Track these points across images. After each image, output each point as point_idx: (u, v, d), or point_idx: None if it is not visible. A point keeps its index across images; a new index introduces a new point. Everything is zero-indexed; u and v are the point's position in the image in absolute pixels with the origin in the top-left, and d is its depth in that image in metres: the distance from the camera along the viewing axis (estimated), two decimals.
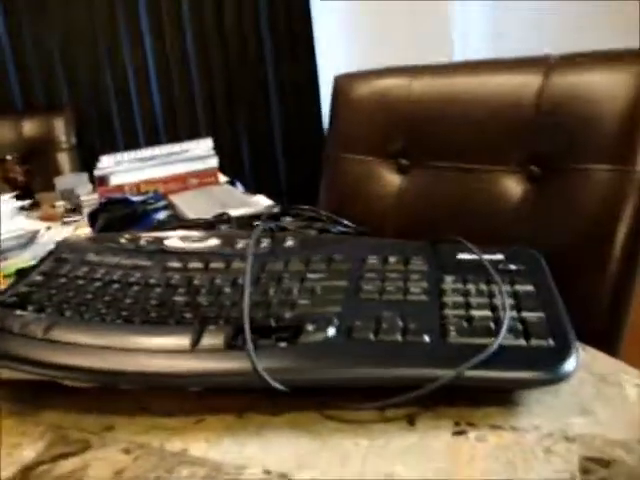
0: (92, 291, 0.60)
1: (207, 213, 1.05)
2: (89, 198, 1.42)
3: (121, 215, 1.10)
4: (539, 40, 2.17)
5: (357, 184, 1.06)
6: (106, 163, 1.38)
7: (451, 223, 0.95)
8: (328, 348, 0.51)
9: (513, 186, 0.92)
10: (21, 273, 0.98)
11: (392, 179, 1.02)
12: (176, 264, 0.64)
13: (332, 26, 2.56)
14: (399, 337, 0.51)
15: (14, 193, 1.36)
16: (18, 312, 0.58)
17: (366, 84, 1.08)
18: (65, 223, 1.30)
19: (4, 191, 1.53)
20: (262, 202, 1.17)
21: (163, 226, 1.03)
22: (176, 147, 1.40)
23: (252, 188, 2.52)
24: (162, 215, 1.12)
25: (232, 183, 1.30)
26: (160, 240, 0.69)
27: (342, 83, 1.12)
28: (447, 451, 0.45)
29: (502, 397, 0.50)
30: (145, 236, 0.70)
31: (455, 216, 0.96)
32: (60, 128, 2.17)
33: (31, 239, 1.11)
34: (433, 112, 0.99)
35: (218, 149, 2.31)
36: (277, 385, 0.48)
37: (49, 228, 1.21)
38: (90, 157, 2.08)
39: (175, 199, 1.19)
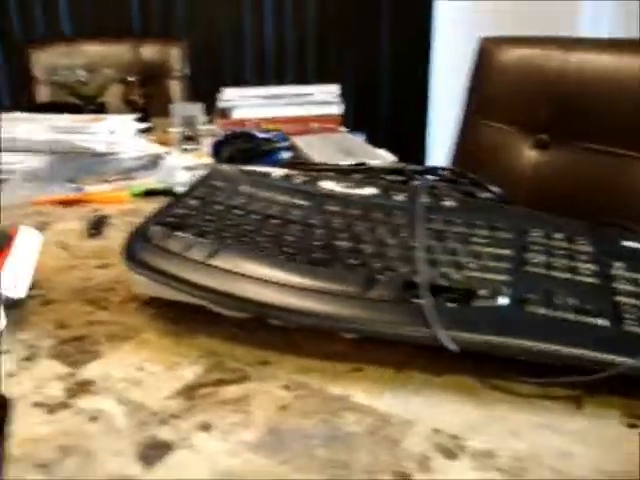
0: (251, 223, 0.60)
1: (331, 159, 1.04)
2: (207, 128, 1.43)
3: (245, 149, 1.10)
4: None
5: (492, 153, 1.03)
6: (230, 95, 1.37)
7: (587, 207, 0.92)
8: (501, 316, 0.49)
9: None
10: (149, 194, 0.99)
11: (530, 153, 0.99)
12: (334, 208, 0.63)
13: None
14: (572, 316, 0.49)
15: (135, 115, 1.37)
16: (179, 234, 0.58)
17: (515, 50, 1.04)
18: (184, 150, 1.30)
19: (122, 111, 1.55)
20: (387, 156, 1.14)
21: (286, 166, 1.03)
22: (301, 89, 1.38)
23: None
24: (285, 155, 1.11)
25: (355, 133, 1.28)
26: (315, 181, 0.68)
27: (488, 46, 1.08)
28: (623, 442, 0.43)
29: None
30: (298, 175, 0.70)
31: (593, 200, 0.93)
32: (175, 57, 2.18)
33: (155, 162, 1.12)
34: (586, 89, 0.95)
35: None
36: (452, 346, 0.47)
37: (168, 153, 1.22)
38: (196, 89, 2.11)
39: (297, 141, 1.18)
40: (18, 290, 0.58)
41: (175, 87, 2.15)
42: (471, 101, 1.11)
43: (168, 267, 0.55)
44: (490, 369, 0.50)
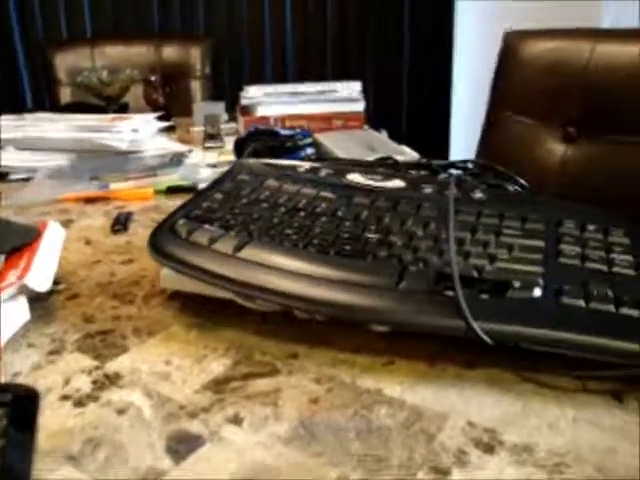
0: (278, 216, 0.59)
1: (355, 155, 1.03)
2: (229, 126, 1.42)
3: (269, 146, 1.09)
4: None
5: (518, 147, 1.01)
6: (253, 93, 1.37)
7: (617, 200, 0.90)
8: (537, 308, 0.48)
9: None
10: (172, 191, 0.99)
11: (557, 147, 0.97)
12: (362, 200, 0.62)
13: None
14: (612, 308, 0.48)
15: (157, 114, 1.36)
16: (206, 227, 0.57)
17: (540, 43, 1.03)
18: (207, 148, 1.30)
19: (144, 111, 1.55)
20: (409, 152, 1.13)
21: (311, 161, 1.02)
22: (325, 86, 1.37)
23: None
24: (308, 152, 1.10)
25: (377, 130, 1.27)
26: (341, 174, 0.67)
27: (513, 40, 1.07)
28: None
29: None
30: (325, 168, 0.69)
31: (623, 193, 0.91)
32: (196, 57, 2.18)
33: (179, 159, 1.12)
34: (614, 81, 0.93)
35: None
36: (487, 339, 0.45)
37: (191, 151, 1.22)
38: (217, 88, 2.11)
39: (320, 138, 1.17)
40: (44, 284, 0.58)
41: (196, 86, 2.16)
42: (496, 95, 1.09)
43: (195, 260, 0.54)
44: (524, 362, 0.48)
